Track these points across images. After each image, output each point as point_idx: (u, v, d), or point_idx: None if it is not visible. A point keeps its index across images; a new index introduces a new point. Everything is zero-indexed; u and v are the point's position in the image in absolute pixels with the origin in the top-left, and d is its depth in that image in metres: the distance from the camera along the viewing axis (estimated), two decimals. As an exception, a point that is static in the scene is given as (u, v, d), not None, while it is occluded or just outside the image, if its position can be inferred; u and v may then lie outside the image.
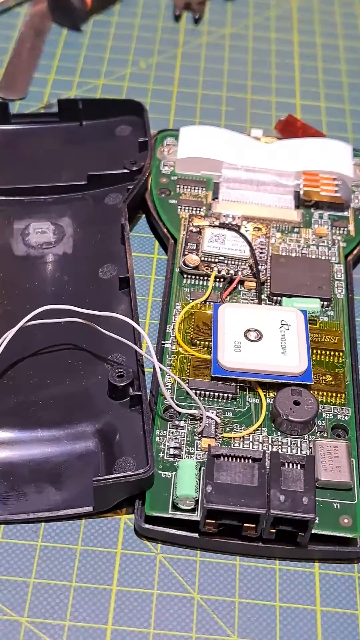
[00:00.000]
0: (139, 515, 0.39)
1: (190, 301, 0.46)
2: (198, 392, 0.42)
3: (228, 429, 0.41)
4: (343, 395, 0.42)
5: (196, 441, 0.41)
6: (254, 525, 0.38)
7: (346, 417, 0.42)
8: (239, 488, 0.37)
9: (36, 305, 0.42)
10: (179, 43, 0.62)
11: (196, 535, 0.38)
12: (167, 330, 0.45)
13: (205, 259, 0.47)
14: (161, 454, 0.40)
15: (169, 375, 0.42)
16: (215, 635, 0.37)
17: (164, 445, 0.40)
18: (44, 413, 0.41)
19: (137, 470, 0.38)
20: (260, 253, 0.48)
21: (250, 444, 0.41)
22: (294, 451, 0.40)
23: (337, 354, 0.44)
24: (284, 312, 0.44)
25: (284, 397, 0.41)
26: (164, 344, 0.44)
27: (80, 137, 0.54)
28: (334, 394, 0.42)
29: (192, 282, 0.47)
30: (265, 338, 0.43)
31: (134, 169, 0.51)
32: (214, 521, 0.38)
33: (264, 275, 0.47)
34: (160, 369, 0.41)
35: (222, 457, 0.38)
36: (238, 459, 0.38)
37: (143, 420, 0.40)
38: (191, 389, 0.42)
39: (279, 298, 0.46)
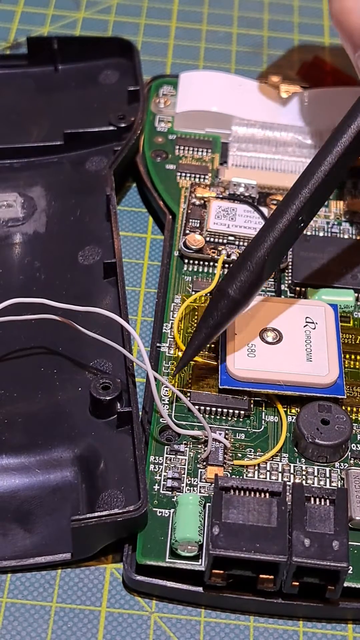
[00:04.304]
0: (129, 564, 0.38)
1: (193, 293, 0.46)
2: (202, 408, 0.42)
3: (240, 455, 0.41)
4: (383, 412, 0.42)
5: (200, 470, 0.40)
6: (271, 577, 0.37)
7: (387, 440, 0.42)
8: (253, 530, 0.37)
9: (0, 298, 0.42)
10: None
11: (200, 589, 0.38)
12: (163, 330, 0.44)
13: (212, 239, 0.47)
14: (156, 487, 0.40)
15: (167, 387, 0.42)
16: None
17: (160, 476, 0.40)
18: (10, 435, 0.41)
19: (126, 507, 0.38)
20: (280, 232, 0.47)
21: (268, 473, 0.40)
22: (322, 483, 0.40)
23: (375, 359, 0.44)
24: (309, 306, 0.44)
25: (309, 414, 0.41)
26: (159, 347, 0.44)
27: (55, 85, 0.54)
28: (372, 410, 0.42)
29: (195, 269, 0.47)
30: (285, 340, 0.43)
31: (122, 125, 0.51)
32: (222, 571, 0.37)
33: (284, 261, 0.47)
34: (155, 378, 0.41)
35: (232, 491, 0.38)
36: (252, 493, 0.38)
37: (134, 444, 0.40)
38: (194, 404, 0.41)
39: (303, 289, 0.46)
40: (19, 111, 0.52)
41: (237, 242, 0.47)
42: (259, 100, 0.52)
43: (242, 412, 0.42)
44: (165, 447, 0.41)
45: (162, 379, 0.42)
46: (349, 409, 0.42)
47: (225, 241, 0.47)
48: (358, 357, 0.44)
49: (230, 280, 0.40)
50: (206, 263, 0.47)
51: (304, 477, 0.40)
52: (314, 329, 0.43)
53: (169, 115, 0.53)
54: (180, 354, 0.43)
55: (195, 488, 0.40)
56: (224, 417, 0.42)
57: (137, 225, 0.50)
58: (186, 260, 0.47)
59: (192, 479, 0.40)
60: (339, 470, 0.41)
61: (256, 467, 0.41)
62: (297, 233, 0.42)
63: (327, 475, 0.40)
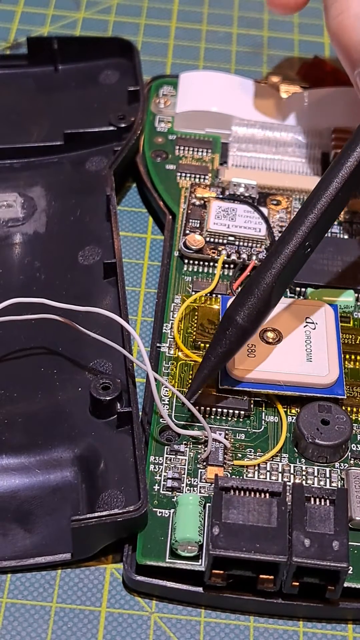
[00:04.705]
0: (129, 565, 0.38)
1: (193, 293, 0.46)
2: (202, 408, 0.42)
3: (240, 455, 0.41)
4: (383, 412, 0.42)
5: (200, 471, 0.40)
6: (271, 577, 0.37)
7: (387, 440, 0.42)
8: (253, 530, 0.37)
9: (0, 298, 0.42)
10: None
11: (200, 589, 0.38)
12: (163, 330, 0.44)
13: (212, 239, 0.47)
14: (156, 487, 0.40)
15: (167, 387, 0.42)
16: None
17: (160, 476, 0.40)
18: (10, 435, 0.41)
19: (126, 507, 0.38)
20: (280, 232, 0.47)
21: (268, 473, 0.40)
22: (322, 483, 0.40)
23: (375, 359, 0.44)
24: (309, 307, 0.44)
25: (309, 414, 0.41)
26: (159, 347, 0.44)
27: (56, 85, 0.54)
28: (372, 411, 0.42)
29: (195, 269, 0.47)
30: (285, 340, 0.43)
31: (122, 125, 0.51)
32: (222, 572, 0.37)
33: (285, 261, 0.47)
34: (155, 379, 0.40)
35: (232, 491, 0.38)
36: (252, 493, 0.38)
37: (134, 444, 0.40)
38: (193, 404, 0.41)
39: (303, 289, 0.46)
40: (19, 111, 0.52)
41: (237, 242, 0.47)
42: (259, 100, 0.52)
43: (242, 412, 0.42)
44: (165, 447, 0.41)
45: (162, 379, 0.42)
46: (349, 409, 0.42)
47: (225, 241, 0.47)
48: (358, 357, 0.44)
49: (238, 307, 0.40)
50: (206, 263, 0.47)
51: (304, 477, 0.40)
52: (314, 329, 0.43)
53: (169, 115, 0.53)
54: (180, 354, 0.43)
55: (195, 488, 0.40)
56: (224, 417, 0.42)
57: (137, 225, 0.50)
58: (186, 261, 0.47)
59: (192, 479, 0.40)
60: (339, 470, 0.41)
61: (256, 467, 0.40)
62: (304, 258, 0.41)
63: (327, 475, 0.40)
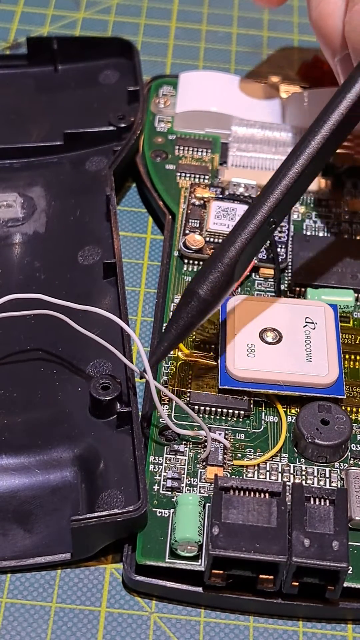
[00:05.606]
0: (129, 565, 0.38)
1: (193, 293, 0.46)
2: (202, 408, 0.42)
3: (239, 455, 0.41)
4: (383, 412, 0.42)
5: (200, 470, 0.40)
6: (271, 577, 0.37)
7: (387, 440, 0.42)
8: (252, 530, 0.37)
9: (-1, 298, 0.42)
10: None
11: (200, 589, 0.38)
12: (163, 330, 0.44)
13: (211, 239, 0.47)
14: (156, 487, 0.40)
15: (166, 386, 0.42)
16: None
17: (160, 476, 0.40)
18: (9, 435, 0.41)
19: (125, 507, 0.38)
20: (280, 232, 0.47)
21: (267, 473, 0.40)
22: (322, 483, 0.40)
23: (375, 359, 0.44)
24: (309, 306, 0.44)
25: (309, 414, 0.41)
26: (159, 347, 0.44)
27: (55, 85, 0.54)
28: (372, 411, 0.42)
29: (195, 269, 0.47)
30: (285, 340, 0.43)
31: (122, 125, 0.51)
32: (221, 572, 0.37)
33: (284, 261, 0.47)
34: (154, 378, 0.40)
35: (232, 491, 0.38)
36: (252, 493, 0.38)
37: (133, 444, 0.40)
38: (193, 404, 0.41)
39: (303, 289, 0.46)
40: (19, 111, 0.52)
41: (237, 242, 0.47)
42: (259, 100, 0.52)
43: (242, 412, 0.42)
44: (165, 447, 0.41)
45: (161, 386, 0.41)
46: (348, 409, 0.42)
47: (225, 241, 0.47)
48: (358, 357, 0.44)
49: (201, 281, 0.40)
50: (206, 263, 0.47)
51: (303, 477, 0.40)
52: (314, 329, 0.43)
53: (169, 115, 0.53)
54: (180, 354, 0.43)
55: (195, 488, 0.40)
56: (223, 417, 0.42)
57: (137, 225, 0.50)
58: (186, 261, 0.47)
59: (192, 479, 0.40)
60: (338, 470, 0.41)
61: (256, 467, 0.40)
62: (269, 234, 0.42)
63: (327, 475, 0.40)
